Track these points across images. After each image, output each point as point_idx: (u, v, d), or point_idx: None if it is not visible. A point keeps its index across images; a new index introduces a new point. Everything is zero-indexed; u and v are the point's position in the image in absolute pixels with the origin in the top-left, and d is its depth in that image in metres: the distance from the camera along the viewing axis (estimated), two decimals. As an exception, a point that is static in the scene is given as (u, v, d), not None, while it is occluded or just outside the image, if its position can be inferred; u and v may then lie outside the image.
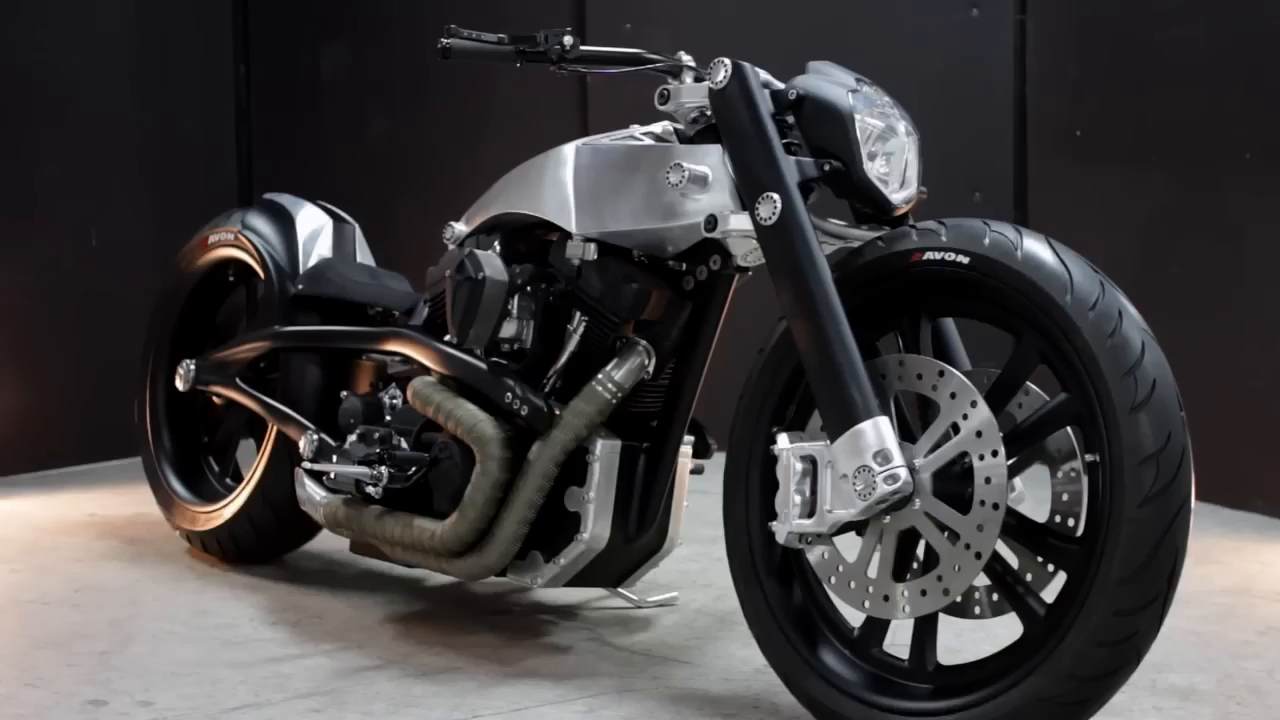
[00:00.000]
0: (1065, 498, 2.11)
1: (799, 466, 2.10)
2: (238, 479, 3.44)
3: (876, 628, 2.21)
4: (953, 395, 2.04)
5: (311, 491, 2.95)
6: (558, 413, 2.50)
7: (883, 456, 2.02)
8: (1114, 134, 4.47)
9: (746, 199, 2.24)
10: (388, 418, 2.90)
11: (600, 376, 2.48)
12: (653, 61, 2.49)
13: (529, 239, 2.69)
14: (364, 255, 3.40)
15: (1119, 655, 1.91)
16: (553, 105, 5.29)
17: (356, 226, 3.43)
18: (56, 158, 4.82)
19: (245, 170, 5.89)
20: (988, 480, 1.99)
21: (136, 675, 2.47)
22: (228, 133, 5.80)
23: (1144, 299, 2.13)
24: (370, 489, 2.73)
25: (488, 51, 2.45)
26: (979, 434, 2.00)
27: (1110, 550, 1.90)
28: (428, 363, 2.74)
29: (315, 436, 2.97)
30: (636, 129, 2.58)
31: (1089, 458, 2.00)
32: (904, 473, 2.02)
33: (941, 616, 2.14)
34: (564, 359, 2.55)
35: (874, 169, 2.26)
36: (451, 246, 2.82)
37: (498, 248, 2.69)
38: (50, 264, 4.80)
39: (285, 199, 3.47)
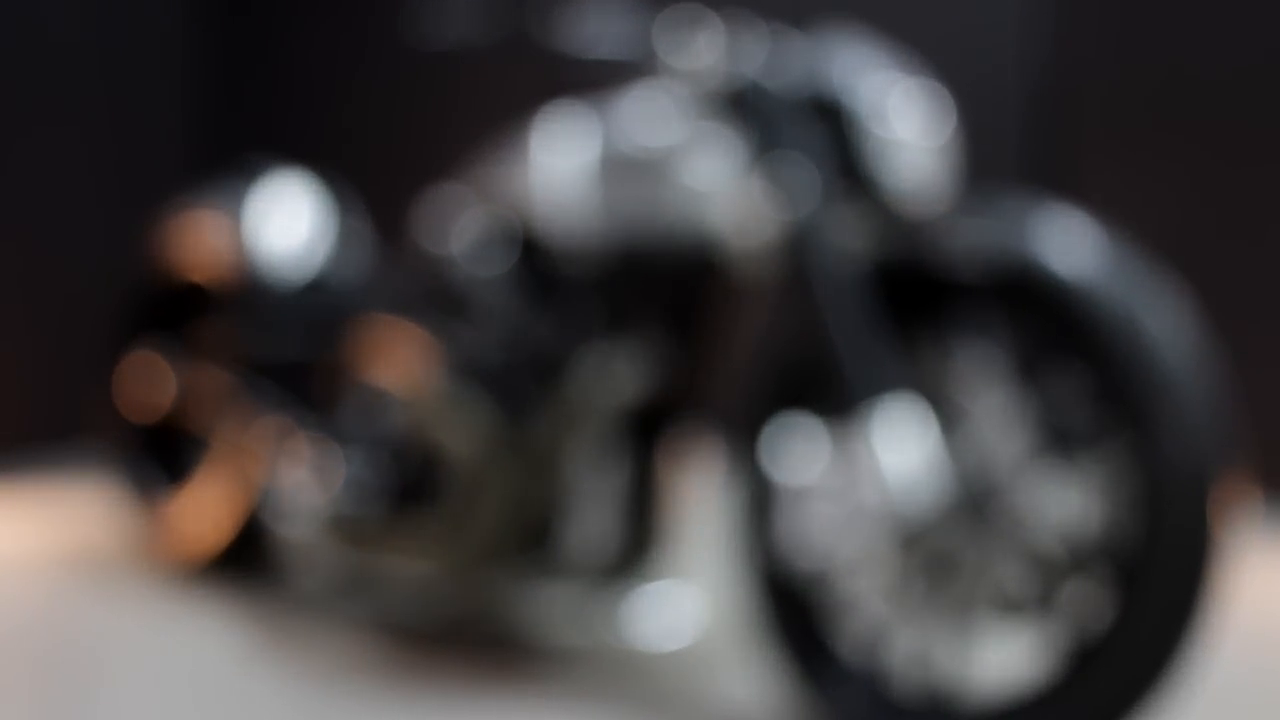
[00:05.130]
0: (1103, 510, 1.99)
1: (808, 485, 2.06)
2: (210, 488, 3.27)
3: (897, 654, 2.13)
4: (982, 401, 2.01)
5: (291, 501, 2.86)
6: (554, 416, 2.46)
7: (900, 463, 1.96)
8: (1162, 104, 4.34)
9: (762, 192, 2.19)
10: (375, 421, 2.81)
11: (599, 379, 2.43)
12: (653, 64, 2.41)
13: (528, 237, 2.61)
14: (349, 231, 3.25)
15: (1160, 670, 1.89)
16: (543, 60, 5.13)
17: (345, 201, 3.34)
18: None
19: (213, 139, 5.62)
20: (1019, 494, 1.96)
21: (104, 714, 2.40)
22: (193, 96, 5.47)
23: (1193, 282, 2.13)
24: (354, 495, 2.69)
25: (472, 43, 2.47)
26: (1010, 444, 1.97)
27: (1151, 565, 1.87)
28: (420, 362, 2.67)
29: (296, 441, 2.89)
30: (644, 87, 2.48)
31: (1127, 468, 1.93)
32: (926, 481, 1.96)
33: (964, 642, 2.08)
34: (562, 360, 2.49)
35: (897, 160, 2.19)
36: (449, 249, 2.73)
37: (495, 244, 2.61)
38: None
39: (264, 169, 3.35)
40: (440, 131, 5.25)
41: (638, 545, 2.58)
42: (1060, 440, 2.00)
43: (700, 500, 2.95)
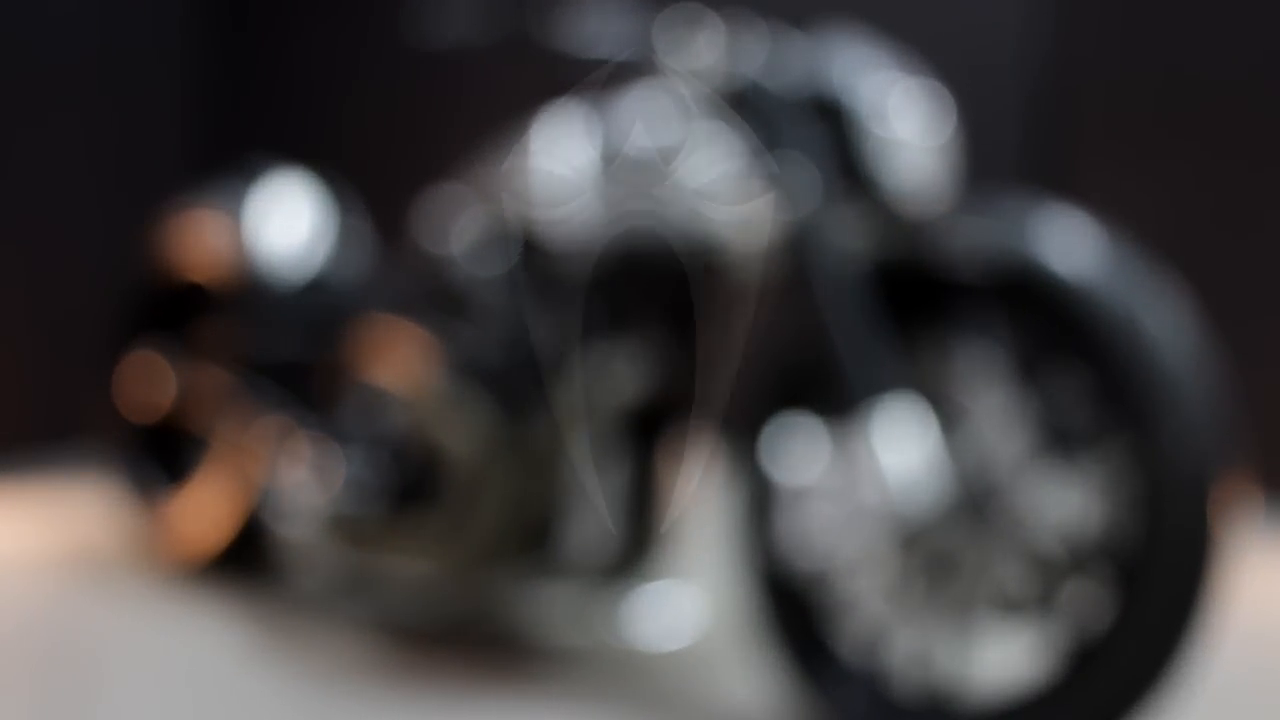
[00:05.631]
0: (1102, 512, 1.99)
1: (808, 485, 2.04)
2: (210, 488, 3.25)
3: (897, 654, 2.10)
4: (982, 401, 1.99)
5: (291, 501, 2.83)
6: (554, 415, 2.44)
7: (900, 463, 1.94)
8: (1162, 104, 4.30)
9: (762, 192, 2.18)
10: (375, 421, 2.78)
11: (599, 379, 2.42)
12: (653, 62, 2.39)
13: (528, 237, 2.59)
14: (349, 231, 3.21)
15: (1160, 670, 1.87)
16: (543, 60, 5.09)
17: (346, 201, 3.31)
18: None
19: (213, 139, 5.60)
20: (1019, 494, 1.94)
21: (104, 714, 2.36)
22: (193, 96, 5.45)
23: (1193, 282, 2.04)
24: (354, 495, 2.66)
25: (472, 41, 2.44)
26: (1010, 443, 1.95)
27: (1151, 565, 1.85)
28: (420, 362, 2.64)
29: (296, 441, 2.86)
30: (644, 87, 2.45)
31: (1127, 468, 1.91)
32: (926, 481, 1.95)
33: (964, 642, 2.06)
34: (563, 360, 2.46)
35: (897, 160, 2.18)
36: (449, 249, 2.71)
37: (495, 244, 2.59)
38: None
39: (264, 169, 3.33)
40: (440, 131, 5.22)
41: (638, 545, 2.56)
42: (1060, 440, 1.97)
43: (700, 500, 2.93)
